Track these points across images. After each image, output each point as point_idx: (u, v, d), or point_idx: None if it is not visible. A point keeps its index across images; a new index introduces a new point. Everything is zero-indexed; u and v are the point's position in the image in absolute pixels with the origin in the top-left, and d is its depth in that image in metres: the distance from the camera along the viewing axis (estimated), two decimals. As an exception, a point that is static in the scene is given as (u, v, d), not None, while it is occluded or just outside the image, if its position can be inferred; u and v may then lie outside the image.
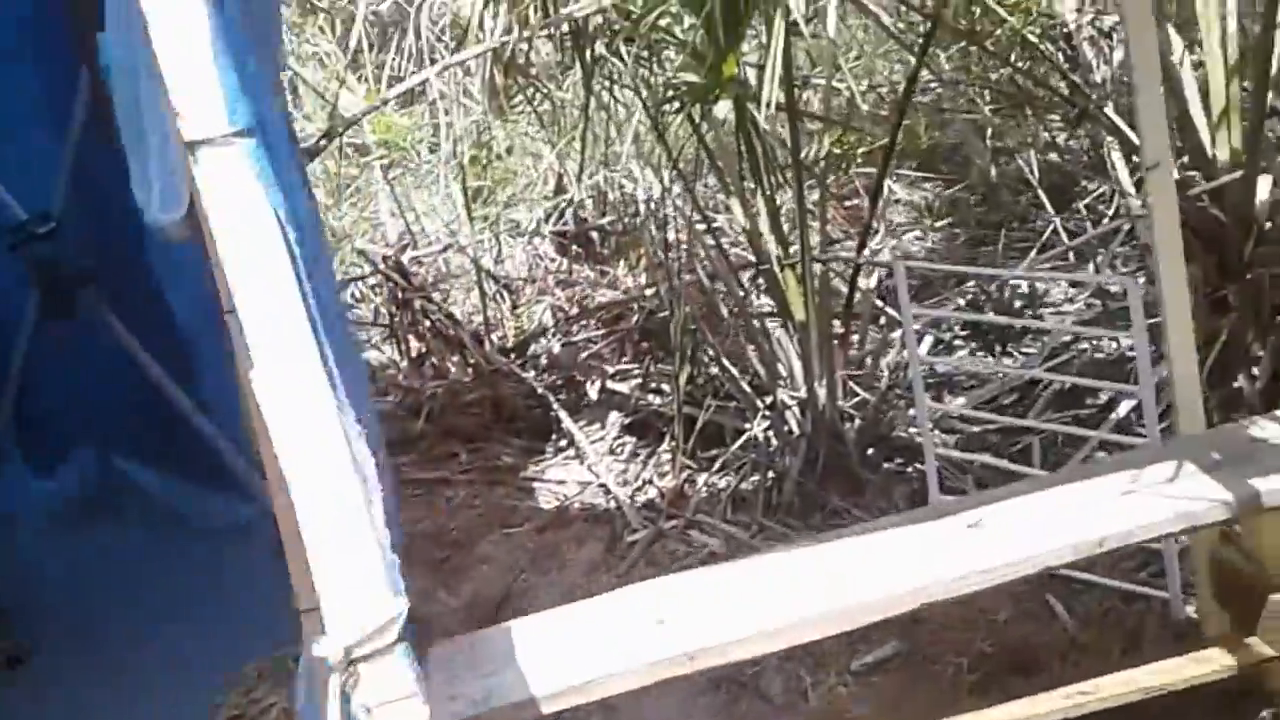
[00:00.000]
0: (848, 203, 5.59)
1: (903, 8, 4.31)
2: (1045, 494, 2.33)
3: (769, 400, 3.57)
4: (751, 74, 3.94)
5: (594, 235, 5.75)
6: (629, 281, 5.44)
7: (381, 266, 4.75)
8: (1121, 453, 2.67)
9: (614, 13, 3.54)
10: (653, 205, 4.95)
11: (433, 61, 5.60)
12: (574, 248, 5.68)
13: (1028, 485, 2.47)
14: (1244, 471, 2.26)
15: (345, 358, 1.33)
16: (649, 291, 4.61)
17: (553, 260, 5.57)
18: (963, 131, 5.45)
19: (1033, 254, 5.09)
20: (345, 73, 6.15)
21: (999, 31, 3.97)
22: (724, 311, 3.73)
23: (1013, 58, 4.29)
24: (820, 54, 4.48)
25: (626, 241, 5.58)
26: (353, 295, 5.58)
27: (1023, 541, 2.17)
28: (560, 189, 5.74)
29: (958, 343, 4.28)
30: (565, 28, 3.86)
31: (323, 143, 4.45)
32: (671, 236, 4.42)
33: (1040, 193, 5.13)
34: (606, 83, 4.09)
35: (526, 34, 4.10)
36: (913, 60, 5.26)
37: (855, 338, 3.58)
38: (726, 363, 3.64)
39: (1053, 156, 5.88)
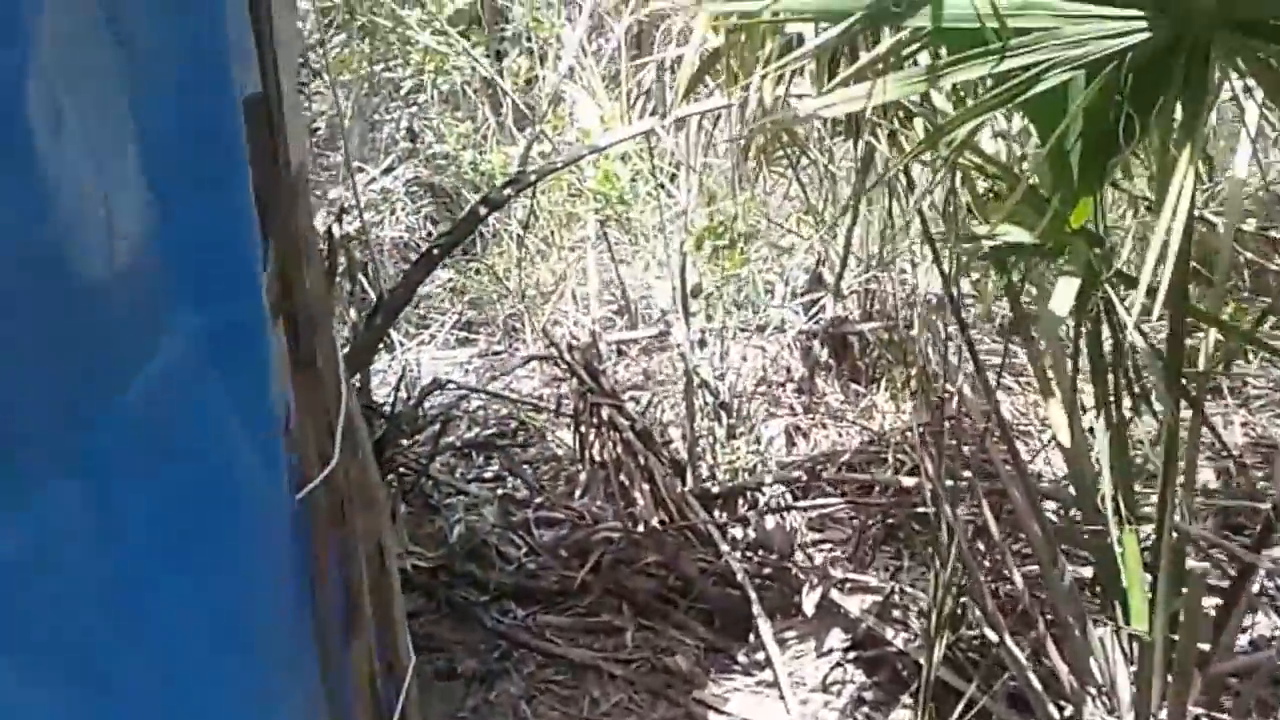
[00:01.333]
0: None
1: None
2: None
3: (1069, 713, 2.37)
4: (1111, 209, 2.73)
5: (853, 341, 4.61)
6: (889, 413, 4.28)
7: (566, 356, 3.79)
8: None
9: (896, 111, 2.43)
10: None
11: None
12: (824, 355, 4.56)
13: None
14: None
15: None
16: (910, 480, 3.43)
17: (793, 370, 4.47)
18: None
19: None
20: (593, 81, 5.20)
21: None
22: (1017, 577, 2.52)
23: None
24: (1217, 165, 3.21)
25: (895, 357, 4.40)
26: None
27: None
28: (817, 282, 4.63)
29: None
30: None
31: (506, 192, 3.55)
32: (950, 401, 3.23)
33: None
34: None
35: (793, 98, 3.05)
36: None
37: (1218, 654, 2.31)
38: (1009, 640, 2.45)
39: None
